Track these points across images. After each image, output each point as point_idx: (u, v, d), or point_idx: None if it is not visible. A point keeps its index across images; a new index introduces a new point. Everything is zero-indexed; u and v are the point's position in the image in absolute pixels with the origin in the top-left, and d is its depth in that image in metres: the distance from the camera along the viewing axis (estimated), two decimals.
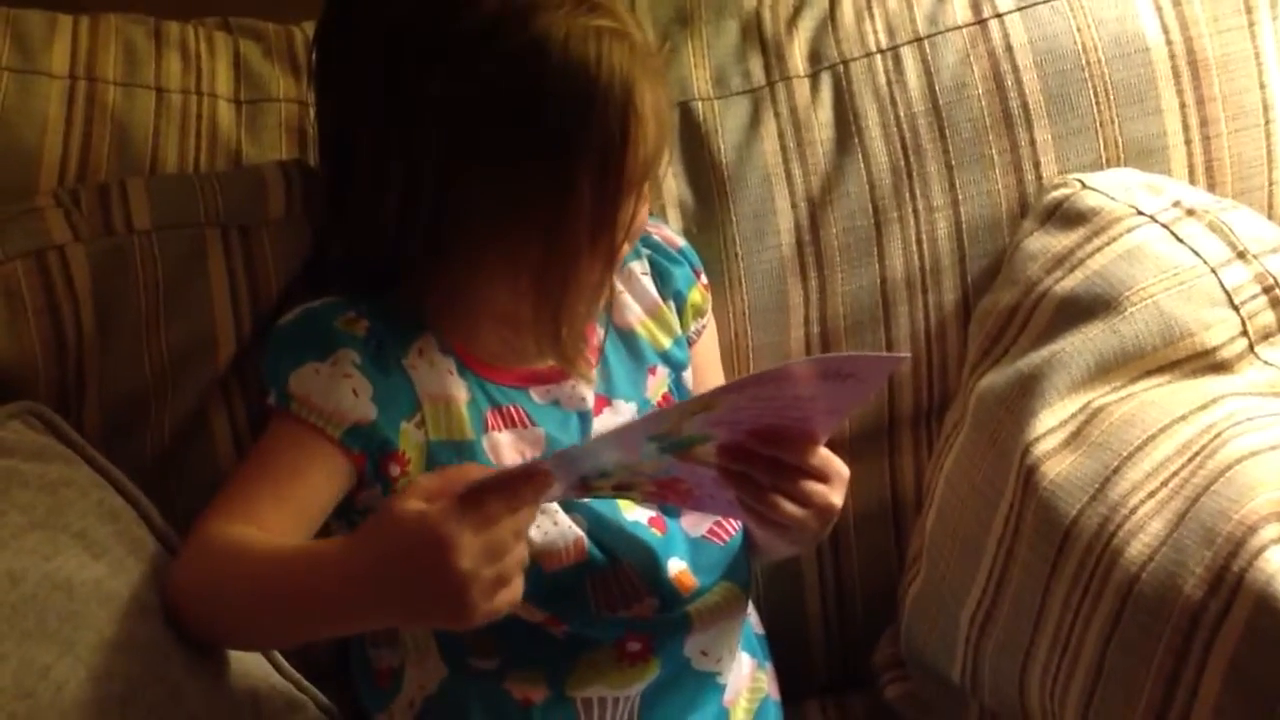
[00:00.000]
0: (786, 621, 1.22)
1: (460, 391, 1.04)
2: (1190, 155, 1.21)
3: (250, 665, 0.99)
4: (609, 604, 1.05)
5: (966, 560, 1.06)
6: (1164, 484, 0.96)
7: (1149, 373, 1.05)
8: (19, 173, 1.13)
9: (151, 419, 1.06)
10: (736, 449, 0.96)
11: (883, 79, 1.23)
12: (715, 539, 1.11)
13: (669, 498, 1.03)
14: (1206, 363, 1.05)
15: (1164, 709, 0.89)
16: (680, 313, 1.16)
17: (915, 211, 1.22)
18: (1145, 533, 0.94)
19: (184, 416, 1.07)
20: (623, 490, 1.00)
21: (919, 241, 1.22)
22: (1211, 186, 1.21)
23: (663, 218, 1.22)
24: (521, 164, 0.98)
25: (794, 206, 1.22)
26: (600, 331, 1.12)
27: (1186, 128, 1.21)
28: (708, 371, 1.20)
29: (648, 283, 1.16)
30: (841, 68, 1.23)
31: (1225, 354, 1.05)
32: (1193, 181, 1.20)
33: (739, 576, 1.11)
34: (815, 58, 1.24)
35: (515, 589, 0.88)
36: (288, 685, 1.00)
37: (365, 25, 1.01)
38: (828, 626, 1.23)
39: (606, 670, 1.04)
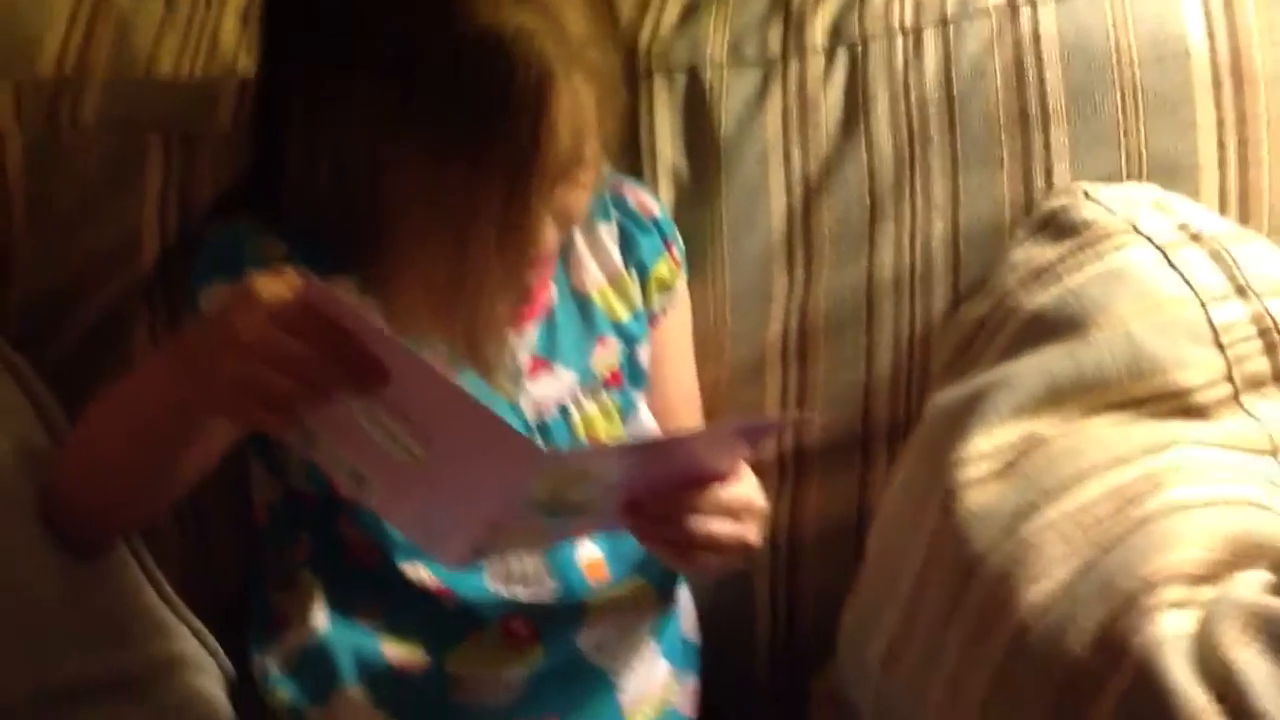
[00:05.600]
0: (731, 636, 1.14)
1: None
2: (1223, 179, 1.08)
3: (127, 586, 0.97)
4: (505, 580, 1.00)
5: (888, 588, 0.98)
6: (1083, 529, 0.86)
7: (1111, 407, 0.94)
8: (17, 63, 1.13)
9: (72, 319, 1.05)
10: (636, 508, 0.91)
11: (900, 61, 1.14)
12: None
13: (580, 533, 0.98)
14: (1178, 405, 0.93)
15: None
16: (643, 285, 1.10)
17: (913, 209, 1.13)
18: (1048, 578, 0.84)
19: (104, 319, 1.06)
20: (527, 545, 0.95)
21: (912, 241, 1.12)
22: (1244, 218, 1.08)
23: (654, 186, 1.16)
24: (437, 157, 0.93)
25: (789, 190, 1.15)
26: (552, 290, 1.07)
27: (1222, 147, 1.08)
28: (676, 360, 1.13)
29: (613, 248, 1.10)
30: (859, 46, 1.15)
31: (1202, 398, 0.93)
32: (1223, 209, 1.08)
33: (654, 574, 1.05)
34: (835, 33, 1.16)
35: (259, 417, 0.82)
36: (164, 609, 0.97)
37: None
38: (774, 646, 1.15)
39: (488, 649, 0.99)
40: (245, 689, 1.00)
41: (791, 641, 1.14)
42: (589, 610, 1.01)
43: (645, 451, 0.91)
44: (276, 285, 0.83)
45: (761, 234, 1.15)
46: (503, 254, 0.93)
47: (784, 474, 1.14)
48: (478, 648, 0.99)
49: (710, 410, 1.16)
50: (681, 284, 1.13)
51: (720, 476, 0.93)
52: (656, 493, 0.91)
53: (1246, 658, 0.74)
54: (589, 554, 1.03)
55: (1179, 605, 0.78)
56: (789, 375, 1.15)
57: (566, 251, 1.09)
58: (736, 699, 1.13)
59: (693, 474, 0.92)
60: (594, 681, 1.01)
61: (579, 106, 0.94)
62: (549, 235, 0.97)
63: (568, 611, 1.01)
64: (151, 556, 1.00)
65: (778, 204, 1.15)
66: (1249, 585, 0.79)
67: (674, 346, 1.13)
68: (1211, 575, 0.80)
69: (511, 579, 1.00)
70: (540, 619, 1.00)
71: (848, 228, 1.13)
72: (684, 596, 1.11)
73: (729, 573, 1.04)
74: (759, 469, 1.14)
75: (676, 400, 1.13)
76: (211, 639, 1.00)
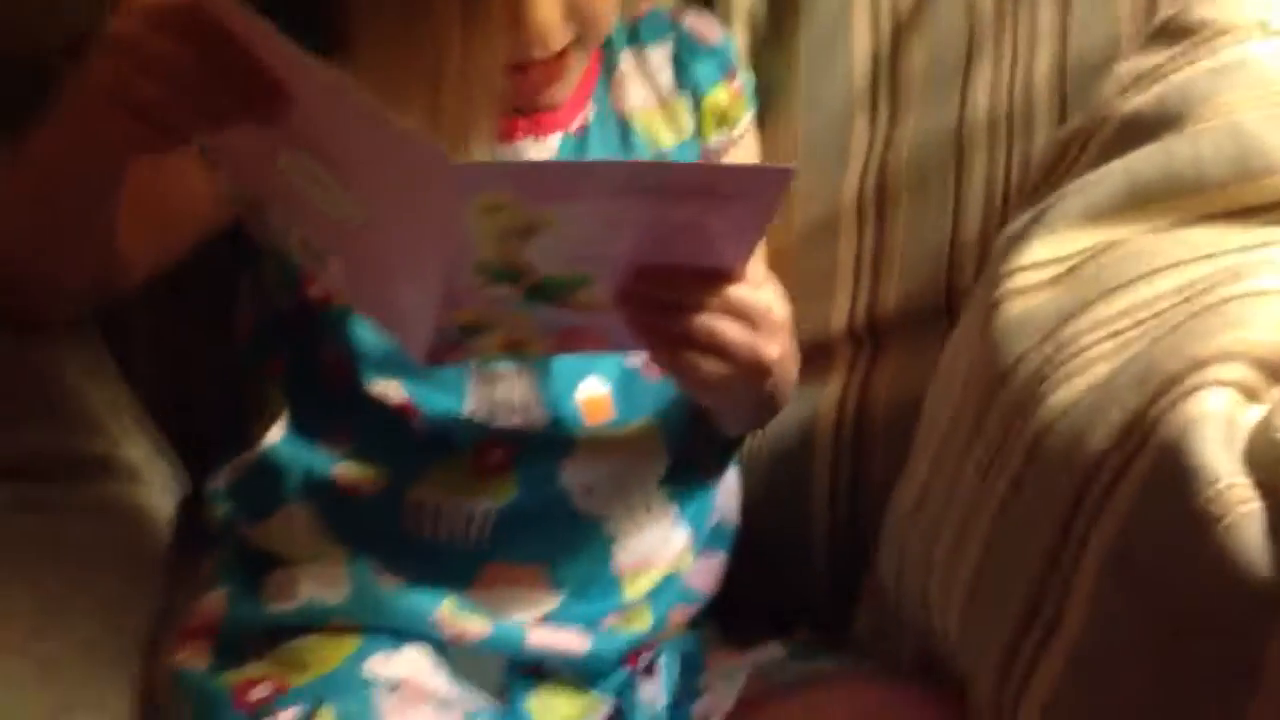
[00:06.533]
0: (785, 524, 0.97)
1: None
2: None
3: (72, 379, 0.88)
4: (488, 405, 0.87)
5: (925, 437, 0.81)
6: (1138, 324, 0.68)
7: (1209, 217, 0.75)
8: None
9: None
10: (632, 294, 0.77)
11: None
12: (653, 374, 0.91)
13: (581, 345, 0.82)
14: None
15: (1033, 608, 0.61)
16: (697, 113, 0.97)
17: (1015, 41, 0.96)
18: (1084, 375, 0.66)
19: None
20: (516, 347, 0.82)
21: (1012, 78, 0.96)
22: None
23: (729, 29, 1.04)
24: None
25: (875, 27, 1.00)
26: (590, 109, 0.95)
27: None
28: None
29: (665, 71, 0.96)
30: None
31: None
32: None
33: (671, 421, 0.90)
34: None
35: (132, 131, 0.72)
36: (117, 410, 0.88)
37: None
38: (833, 537, 0.96)
39: (454, 477, 0.86)
40: (197, 510, 0.91)
41: (853, 533, 0.96)
42: (578, 445, 0.87)
43: (603, 175, 0.72)
44: None
45: (841, 78, 1.00)
46: (469, 26, 0.81)
47: (857, 348, 0.98)
48: (443, 475, 0.86)
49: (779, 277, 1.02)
50: (748, 124, 0.99)
51: (730, 273, 0.79)
52: (657, 282, 0.78)
53: None
54: (592, 389, 0.88)
55: (1235, 386, 0.60)
56: (865, 235, 0.99)
57: (610, 71, 0.97)
58: (789, 593, 0.97)
59: (698, 258, 0.78)
60: (582, 529, 0.87)
61: None
62: (547, 21, 0.85)
63: (552, 443, 0.86)
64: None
65: (861, 44, 1.00)
66: None
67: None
68: None
69: (495, 405, 0.87)
70: (519, 446, 0.86)
71: (940, 67, 0.98)
72: (729, 474, 0.97)
73: (734, 398, 0.88)
74: (826, 343, 1.01)
75: None
76: (169, 451, 0.90)
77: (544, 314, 0.78)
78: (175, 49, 0.71)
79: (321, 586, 0.83)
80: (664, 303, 0.77)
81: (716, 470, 0.95)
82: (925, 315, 0.98)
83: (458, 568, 0.86)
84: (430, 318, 0.77)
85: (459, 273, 0.74)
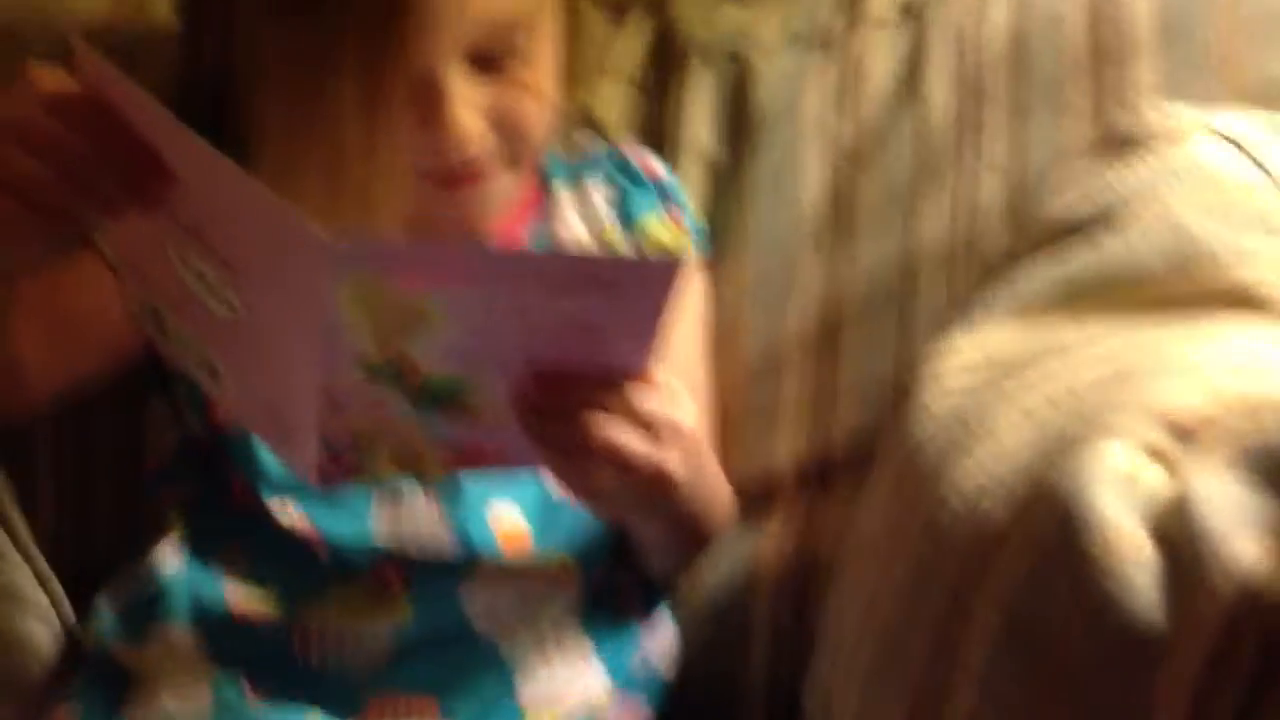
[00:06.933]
0: (719, 676, 0.90)
1: None
2: None
3: None
4: (395, 537, 0.82)
5: (850, 550, 0.74)
6: (1049, 399, 0.61)
7: (1140, 310, 0.70)
8: None
9: None
10: (526, 399, 0.72)
11: (966, 18, 0.97)
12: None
13: (480, 462, 0.76)
14: (1238, 303, 0.69)
15: (922, 692, 0.53)
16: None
17: (966, 169, 0.93)
18: (988, 449, 0.59)
19: None
20: (408, 464, 0.76)
21: (962, 205, 0.93)
22: None
23: (684, 176, 1.01)
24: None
25: (825, 162, 0.97)
26: (526, 240, 0.92)
27: None
28: (678, 353, 0.95)
29: (602, 203, 0.94)
30: (922, 12, 0.99)
31: (1275, 296, 0.68)
32: None
33: (580, 548, 0.84)
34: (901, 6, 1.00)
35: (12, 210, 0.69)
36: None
37: None
38: (771, 697, 0.90)
39: (351, 600, 0.80)
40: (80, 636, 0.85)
41: (794, 686, 0.88)
42: (479, 566, 0.81)
43: (484, 262, 0.69)
44: (62, 76, 0.70)
45: (792, 213, 0.96)
46: (369, 117, 0.77)
47: (803, 488, 0.92)
48: (339, 599, 0.81)
49: (725, 416, 0.97)
50: (691, 260, 0.97)
51: (633, 373, 0.74)
52: (551, 387, 0.73)
53: (1209, 482, 0.48)
54: (510, 520, 0.83)
55: (1140, 444, 0.53)
56: (811, 370, 0.94)
57: (548, 204, 0.95)
58: None
59: (595, 357, 0.73)
60: (482, 658, 0.80)
61: None
62: (463, 121, 0.82)
63: (451, 563, 0.81)
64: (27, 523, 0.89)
65: (812, 179, 0.97)
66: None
67: (679, 344, 0.94)
68: (1205, 432, 0.55)
69: (402, 529, 0.82)
70: (416, 567, 0.81)
71: (890, 200, 0.94)
72: (663, 621, 0.90)
73: (637, 512, 0.81)
74: (770, 483, 0.96)
75: None
76: (53, 580, 0.85)
77: (436, 424, 0.73)
78: (67, 135, 0.69)
79: (181, 699, 0.77)
80: (558, 408, 0.73)
81: (641, 611, 0.88)
82: (873, 451, 0.93)
83: (342, 697, 0.79)
84: (312, 422, 0.72)
85: (339, 366, 0.70)
